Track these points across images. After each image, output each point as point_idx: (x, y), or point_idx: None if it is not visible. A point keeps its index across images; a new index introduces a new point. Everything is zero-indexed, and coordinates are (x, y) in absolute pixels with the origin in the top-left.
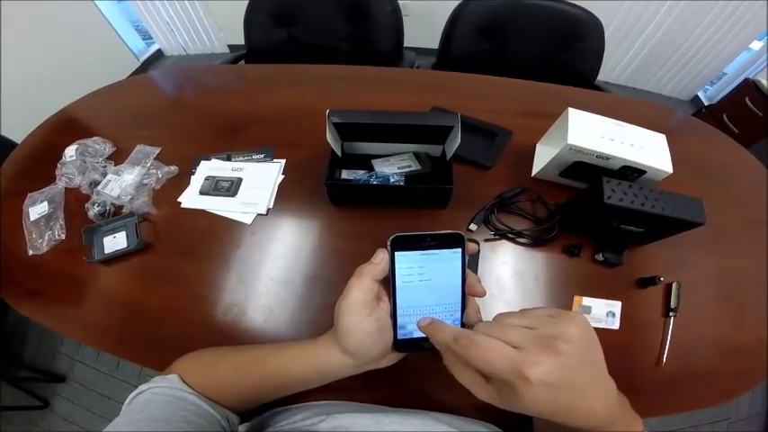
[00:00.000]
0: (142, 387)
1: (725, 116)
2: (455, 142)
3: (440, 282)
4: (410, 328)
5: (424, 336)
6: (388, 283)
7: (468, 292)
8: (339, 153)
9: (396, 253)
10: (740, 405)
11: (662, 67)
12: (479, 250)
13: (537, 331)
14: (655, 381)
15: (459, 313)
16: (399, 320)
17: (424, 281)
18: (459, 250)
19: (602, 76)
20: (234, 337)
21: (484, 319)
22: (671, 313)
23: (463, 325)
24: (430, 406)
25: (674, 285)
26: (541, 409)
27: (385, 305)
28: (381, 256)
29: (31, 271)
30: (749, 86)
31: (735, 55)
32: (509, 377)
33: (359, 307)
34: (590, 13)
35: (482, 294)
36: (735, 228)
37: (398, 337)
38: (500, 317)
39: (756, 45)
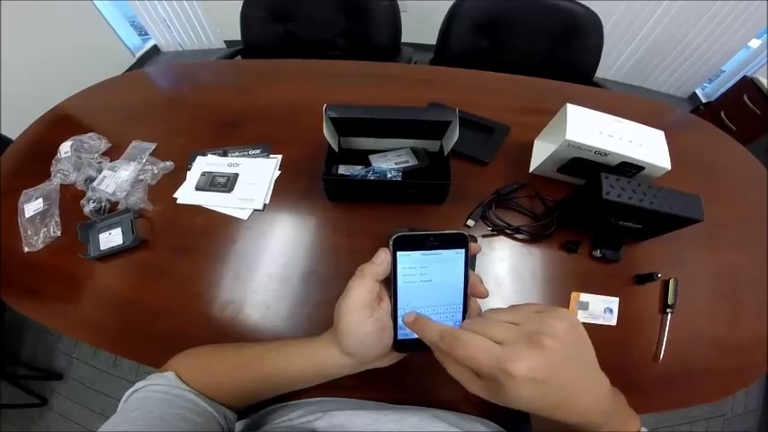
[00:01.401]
0: (138, 385)
1: (723, 114)
2: (453, 138)
3: (442, 282)
4: None
5: None
6: (389, 282)
7: (471, 293)
8: (336, 148)
9: (398, 253)
10: (736, 401)
11: (660, 64)
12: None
13: (522, 327)
14: (651, 377)
15: (461, 314)
16: (400, 321)
17: (426, 281)
18: (463, 251)
19: (600, 72)
20: (231, 333)
21: None
22: (668, 310)
23: None
24: (428, 403)
25: (671, 282)
26: (529, 404)
27: (386, 305)
28: (383, 256)
29: (27, 268)
30: (747, 84)
31: (733, 53)
32: (493, 373)
33: (360, 307)
34: (589, 9)
35: (484, 296)
36: (732, 225)
37: (399, 338)
38: (488, 313)
39: (755, 43)
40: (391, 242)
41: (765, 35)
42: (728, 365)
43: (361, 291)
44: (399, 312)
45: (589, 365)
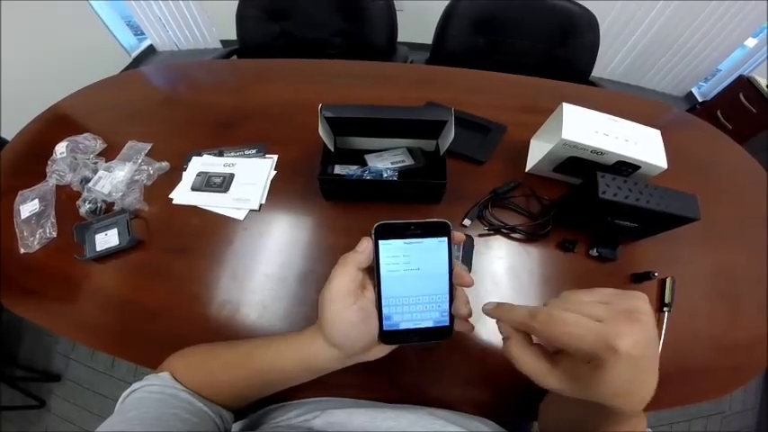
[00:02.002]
0: (135, 385)
1: (719, 112)
2: (449, 137)
3: (426, 271)
4: (396, 319)
5: (411, 328)
6: (373, 272)
7: (456, 283)
8: (332, 148)
9: (380, 241)
10: (734, 399)
11: (656, 63)
12: (473, 245)
13: (614, 305)
14: None
15: (447, 304)
16: (385, 311)
17: (410, 270)
18: (445, 239)
19: (597, 72)
20: (228, 334)
21: (473, 309)
22: (665, 308)
23: (452, 316)
24: (426, 401)
25: (668, 281)
26: (618, 386)
27: (370, 294)
28: (365, 245)
29: (23, 270)
30: (743, 83)
31: (729, 52)
32: (597, 350)
33: (342, 295)
34: (585, 8)
35: (470, 284)
36: (729, 224)
37: (384, 328)
38: (567, 294)
39: (751, 42)
40: (373, 230)
41: (762, 33)
42: (726, 364)
43: (344, 279)
44: (384, 302)
45: (656, 352)
